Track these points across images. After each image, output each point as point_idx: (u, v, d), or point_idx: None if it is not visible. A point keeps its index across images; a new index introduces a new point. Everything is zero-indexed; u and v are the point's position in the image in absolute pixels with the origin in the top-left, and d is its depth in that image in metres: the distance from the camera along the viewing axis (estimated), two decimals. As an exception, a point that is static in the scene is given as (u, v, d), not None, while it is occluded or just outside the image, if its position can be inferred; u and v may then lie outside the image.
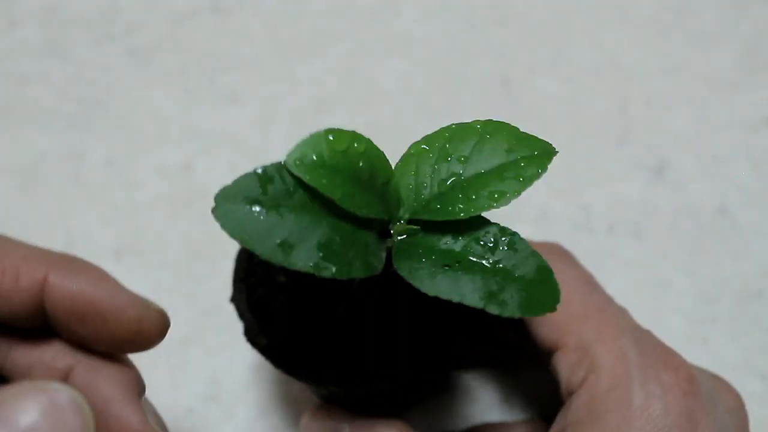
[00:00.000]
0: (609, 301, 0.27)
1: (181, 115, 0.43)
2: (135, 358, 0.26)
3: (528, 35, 0.46)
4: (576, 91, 0.44)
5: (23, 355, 0.22)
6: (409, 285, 0.22)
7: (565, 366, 0.26)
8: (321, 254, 0.20)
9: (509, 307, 0.21)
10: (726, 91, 0.44)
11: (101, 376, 0.22)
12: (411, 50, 0.46)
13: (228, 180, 0.20)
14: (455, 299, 0.21)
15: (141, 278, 0.38)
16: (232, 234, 0.20)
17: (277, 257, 0.20)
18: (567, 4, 0.48)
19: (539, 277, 0.21)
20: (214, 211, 0.20)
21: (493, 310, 0.21)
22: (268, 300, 0.27)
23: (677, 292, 0.38)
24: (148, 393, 0.25)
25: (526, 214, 0.40)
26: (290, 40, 0.46)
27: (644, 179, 0.41)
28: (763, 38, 0.46)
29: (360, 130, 0.22)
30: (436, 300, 0.27)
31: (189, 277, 0.38)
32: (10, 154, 0.41)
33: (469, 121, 0.23)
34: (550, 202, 0.40)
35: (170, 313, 0.36)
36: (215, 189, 0.20)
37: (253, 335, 0.27)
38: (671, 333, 0.36)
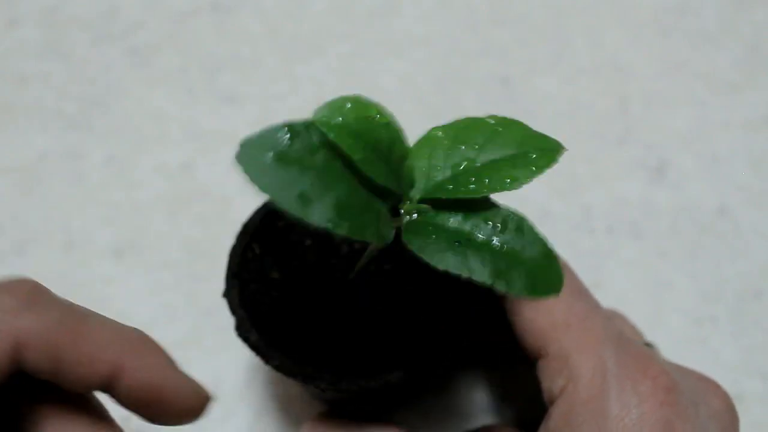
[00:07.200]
0: (593, 309, 0.27)
1: (181, 115, 0.43)
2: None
3: (528, 35, 0.46)
4: (576, 91, 0.44)
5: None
6: (406, 284, 0.22)
7: (546, 374, 0.26)
8: (336, 213, 0.20)
9: (516, 286, 0.21)
10: (726, 91, 0.44)
11: None
12: (411, 50, 0.46)
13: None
14: (464, 274, 0.21)
15: (141, 278, 0.38)
16: (252, 180, 0.20)
17: (295, 208, 0.20)
18: (567, 4, 0.48)
19: (545, 260, 0.22)
20: (237, 156, 0.20)
21: (501, 287, 0.21)
22: (260, 295, 0.27)
23: (677, 292, 0.38)
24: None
25: (527, 214, 0.40)
26: (290, 40, 0.46)
27: (644, 179, 0.41)
28: (763, 38, 0.46)
29: (360, 130, 0.22)
30: (432, 299, 0.27)
31: (189, 277, 0.38)
32: (10, 154, 0.41)
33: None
34: (551, 202, 0.40)
35: (170, 313, 0.37)
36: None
37: (244, 330, 0.26)
38: (671, 333, 0.36)
